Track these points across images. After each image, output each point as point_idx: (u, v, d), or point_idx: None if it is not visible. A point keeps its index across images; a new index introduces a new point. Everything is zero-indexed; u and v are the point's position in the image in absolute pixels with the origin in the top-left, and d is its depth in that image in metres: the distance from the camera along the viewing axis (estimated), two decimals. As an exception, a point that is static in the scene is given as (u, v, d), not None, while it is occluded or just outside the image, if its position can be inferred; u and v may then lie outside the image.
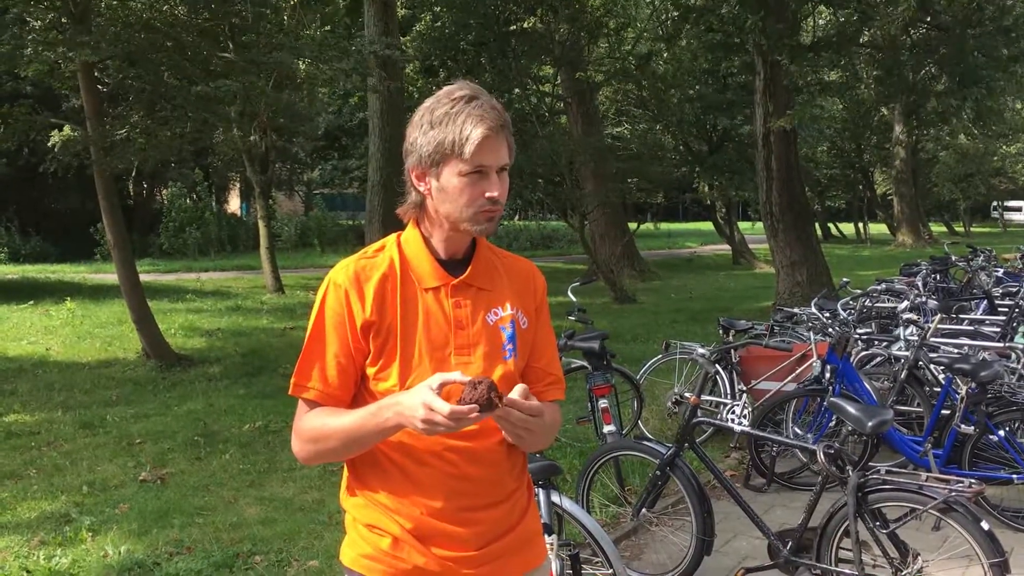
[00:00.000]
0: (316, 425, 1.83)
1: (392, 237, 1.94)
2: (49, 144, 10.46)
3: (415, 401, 1.67)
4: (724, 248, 28.22)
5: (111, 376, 9.64)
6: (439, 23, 18.69)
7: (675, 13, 16.88)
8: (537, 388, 1.95)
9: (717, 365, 6.26)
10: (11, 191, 24.82)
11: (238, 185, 34.86)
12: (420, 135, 1.82)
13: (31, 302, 14.82)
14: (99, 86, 9.13)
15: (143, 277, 11.52)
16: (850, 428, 3.86)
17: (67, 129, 10.47)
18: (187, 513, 5.30)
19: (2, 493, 5.74)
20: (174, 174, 26.56)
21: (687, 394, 4.56)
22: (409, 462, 1.85)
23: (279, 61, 9.05)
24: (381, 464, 1.87)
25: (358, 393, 1.89)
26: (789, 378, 6.30)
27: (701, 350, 5.08)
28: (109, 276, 15.63)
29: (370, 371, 1.85)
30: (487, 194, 1.81)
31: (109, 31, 9.39)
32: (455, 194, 1.81)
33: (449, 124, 1.78)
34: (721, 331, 6.64)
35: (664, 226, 40.38)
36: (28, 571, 4.46)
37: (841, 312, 6.57)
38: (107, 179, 9.86)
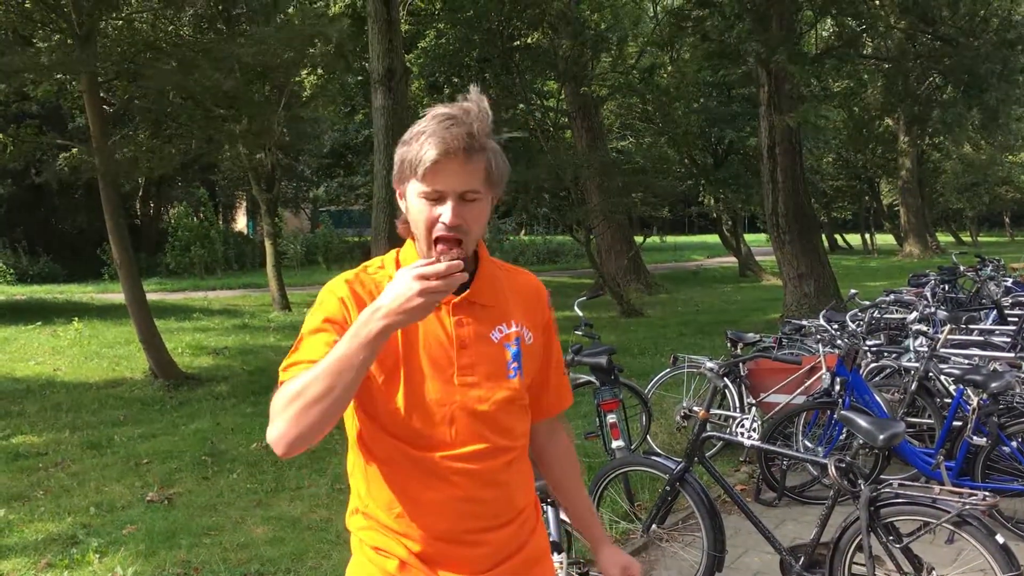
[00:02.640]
0: (293, 385, 1.60)
1: (391, 254, 1.89)
2: (58, 168, 10.52)
3: (401, 287, 1.55)
4: (731, 260, 28.20)
5: (118, 396, 9.64)
6: (443, 39, 18.77)
7: (672, 22, 17.01)
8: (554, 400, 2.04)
9: (726, 378, 6.22)
10: (19, 212, 24.95)
11: (244, 203, 35.05)
12: (397, 149, 1.77)
13: (39, 323, 14.85)
14: (105, 106, 9.18)
15: (150, 296, 11.53)
16: (861, 441, 3.82)
17: (75, 152, 10.52)
18: (194, 533, 5.28)
19: (9, 515, 5.72)
20: (180, 193, 26.66)
21: (696, 408, 4.51)
22: (416, 486, 1.81)
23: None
24: (388, 488, 1.83)
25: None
26: (798, 391, 6.27)
27: (709, 363, 5.04)
28: (116, 296, 15.67)
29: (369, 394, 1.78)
30: (441, 219, 1.73)
31: (115, 51, 9.46)
32: (415, 214, 1.76)
33: (415, 143, 1.72)
34: (729, 344, 6.62)
35: (670, 239, 40.56)
36: (35, 594, 4.44)
37: (850, 324, 6.54)
38: (113, 198, 9.88)
